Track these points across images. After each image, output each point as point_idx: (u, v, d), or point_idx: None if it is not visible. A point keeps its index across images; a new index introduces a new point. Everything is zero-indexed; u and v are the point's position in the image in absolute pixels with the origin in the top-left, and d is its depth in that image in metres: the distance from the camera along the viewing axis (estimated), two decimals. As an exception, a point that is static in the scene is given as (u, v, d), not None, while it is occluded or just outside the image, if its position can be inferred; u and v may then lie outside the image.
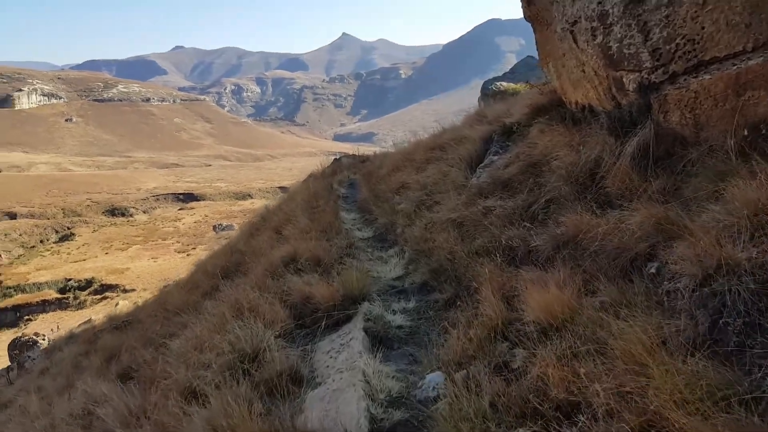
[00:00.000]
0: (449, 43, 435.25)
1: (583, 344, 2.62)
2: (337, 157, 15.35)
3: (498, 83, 19.77)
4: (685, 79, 4.05)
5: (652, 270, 3.05)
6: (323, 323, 3.98)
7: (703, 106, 3.92)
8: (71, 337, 11.65)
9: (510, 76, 22.27)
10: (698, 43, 3.89)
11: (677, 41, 3.98)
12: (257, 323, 3.85)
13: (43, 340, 18.04)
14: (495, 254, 4.28)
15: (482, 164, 6.50)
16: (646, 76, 4.23)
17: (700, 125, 3.97)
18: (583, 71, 5.15)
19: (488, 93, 19.38)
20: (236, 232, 11.43)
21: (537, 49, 7.02)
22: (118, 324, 9.00)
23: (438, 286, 4.59)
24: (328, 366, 3.42)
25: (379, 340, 3.73)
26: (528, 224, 4.46)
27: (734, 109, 3.74)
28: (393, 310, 4.28)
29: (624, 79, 4.47)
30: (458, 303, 4.16)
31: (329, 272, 5.08)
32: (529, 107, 6.77)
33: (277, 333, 3.83)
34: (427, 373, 3.07)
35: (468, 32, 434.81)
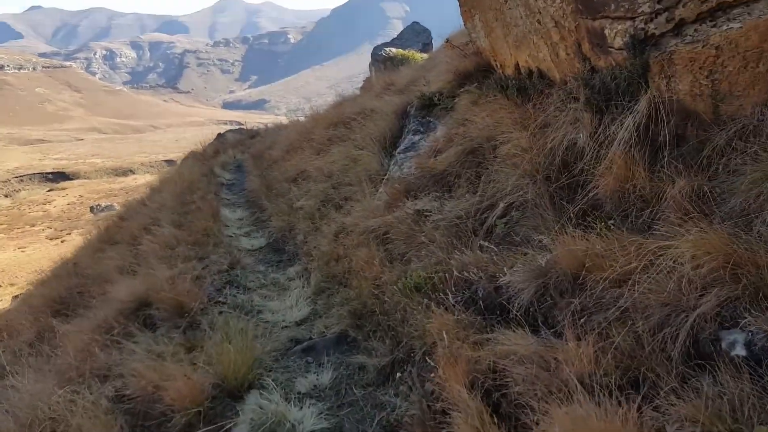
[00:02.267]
0: (336, 8, 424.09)
1: None
2: (221, 133, 13.15)
3: (387, 49, 19.07)
4: (696, 30, 2.85)
5: (739, 350, 1.81)
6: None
7: (726, 69, 2.74)
8: None
9: (398, 42, 21.63)
10: (719, -24, 2.70)
11: (689, -26, 2.76)
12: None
13: None
14: (445, 291, 2.90)
15: (402, 147, 5.07)
16: (641, 26, 2.97)
17: (721, 96, 2.80)
18: (538, 22, 3.82)
19: (379, 59, 18.56)
20: (82, 244, 9.10)
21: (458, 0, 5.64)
22: None
23: (364, 341, 3.15)
24: None
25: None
26: (485, 243, 3.12)
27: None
28: (298, 394, 2.76)
29: (606, 31, 3.19)
30: (399, 377, 2.75)
31: (198, 325, 3.41)
32: (453, 73, 5.39)
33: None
34: None
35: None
